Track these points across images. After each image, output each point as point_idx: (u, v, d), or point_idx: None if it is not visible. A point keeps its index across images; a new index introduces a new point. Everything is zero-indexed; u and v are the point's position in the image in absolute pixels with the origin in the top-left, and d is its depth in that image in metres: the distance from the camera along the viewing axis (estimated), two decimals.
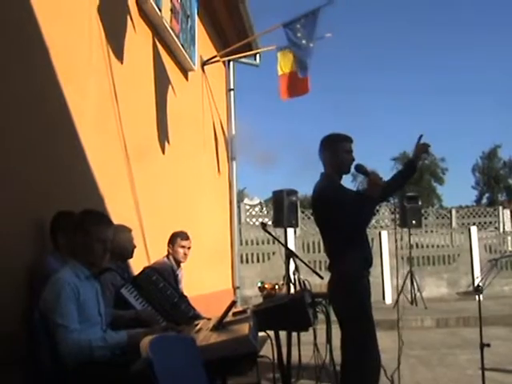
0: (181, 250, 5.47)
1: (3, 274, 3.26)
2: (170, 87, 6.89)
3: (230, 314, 3.35)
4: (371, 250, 4.08)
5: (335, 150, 3.96)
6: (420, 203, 12.01)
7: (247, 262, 12.53)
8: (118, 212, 4.86)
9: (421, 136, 4.19)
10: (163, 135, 6.59)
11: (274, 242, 11.47)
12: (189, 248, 5.54)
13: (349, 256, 3.76)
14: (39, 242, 3.74)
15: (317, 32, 7.97)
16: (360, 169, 3.94)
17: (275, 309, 3.83)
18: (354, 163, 4.00)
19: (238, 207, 12.35)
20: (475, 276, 12.15)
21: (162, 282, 4.25)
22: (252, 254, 12.73)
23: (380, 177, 3.84)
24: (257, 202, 25.79)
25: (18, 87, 3.62)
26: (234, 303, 3.38)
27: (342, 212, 3.72)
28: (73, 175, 4.32)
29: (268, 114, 69.50)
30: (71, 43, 4.38)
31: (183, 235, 5.52)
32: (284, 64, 8.71)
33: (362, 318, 3.76)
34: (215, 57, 9.30)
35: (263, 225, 5.02)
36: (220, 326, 3.14)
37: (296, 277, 4.97)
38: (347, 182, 4.24)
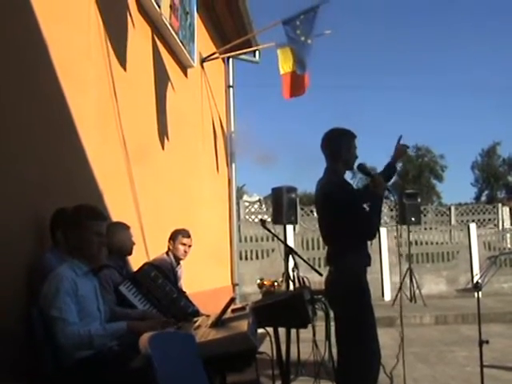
0: (181, 247, 5.47)
1: (2, 271, 3.26)
2: (169, 84, 6.88)
3: (229, 310, 3.35)
4: (368, 248, 4.03)
5: (348, 144, 3.88)
6: (419, 200, 11.99)
7: (246, 258, 12.51)
8: (118, 209, 4.87)
9: (400, 137, 4.12)
10: (162, 132, 6.59)
11: (273, 239, 11.46)
12: (189, 246, 5.54)
13: (350, 252, 3.73)
14: (38, 239, 3.73)
15: (316, 29, 8.00)
16: (362, 169, 3.90)
17: (274, 305, 3.82)
18: (357, 162, 3.96)
19: (237, 204, 12.31)
20: (474, 273, 12.15)
21: (160, 278, 4.25)
22: (251, 251, 12.70)
23: (382, 180, 3.82)
24: (256, 198, 25.76)
25: (17, 84, 3.62)
26: (232, 300, 3.38)
27: (349, 213, 3.65)
28: (72, 172, 4.31)
29: (268, 111, 69.57)
30: (70, 39, 4.37)
31: (185, 233, 5.52)
32: (285, 63, 8.73)
33: (362, 314, 3.72)
34: (214, 53, 9.29)
35: (262, 222, 5.03)
36: (219, 322, 3.15)
37: (295, 274, 4.99)
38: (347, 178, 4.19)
